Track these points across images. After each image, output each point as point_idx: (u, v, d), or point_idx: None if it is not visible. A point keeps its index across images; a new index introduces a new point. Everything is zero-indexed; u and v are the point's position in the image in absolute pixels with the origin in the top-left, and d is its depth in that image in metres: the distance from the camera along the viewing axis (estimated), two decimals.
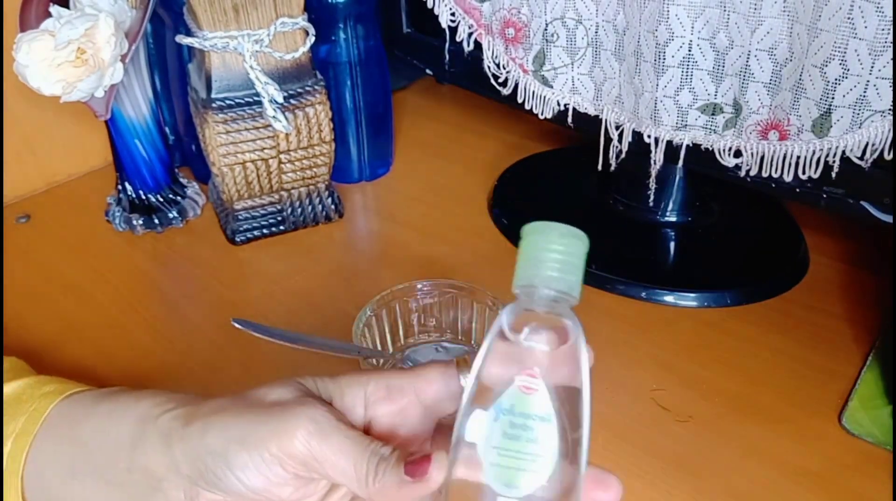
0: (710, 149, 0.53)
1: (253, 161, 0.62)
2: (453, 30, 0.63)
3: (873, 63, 0.44)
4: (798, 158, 0.50)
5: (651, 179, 0.59)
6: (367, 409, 0.33)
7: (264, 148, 0.62)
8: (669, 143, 0.55)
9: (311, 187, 0.67)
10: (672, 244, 0.65)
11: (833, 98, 0.46)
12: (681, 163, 0.55)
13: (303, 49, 0.60)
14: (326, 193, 0.68)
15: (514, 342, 0.26)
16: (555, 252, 0.26)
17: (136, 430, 0.33)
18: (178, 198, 0.69)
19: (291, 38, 0.60)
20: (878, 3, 0.42)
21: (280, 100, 0.60)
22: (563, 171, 0.75)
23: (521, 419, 0.25)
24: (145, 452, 0.32)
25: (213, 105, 0.59)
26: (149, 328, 0.57)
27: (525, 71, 0.60)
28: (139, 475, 0.33)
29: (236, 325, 0.56)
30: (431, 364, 0.34)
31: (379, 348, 0.51)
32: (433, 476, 0.28)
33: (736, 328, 0.55)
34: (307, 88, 0.62)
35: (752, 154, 0.52)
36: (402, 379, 0.34)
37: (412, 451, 0.29)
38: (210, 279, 0.62)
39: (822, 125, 0.47)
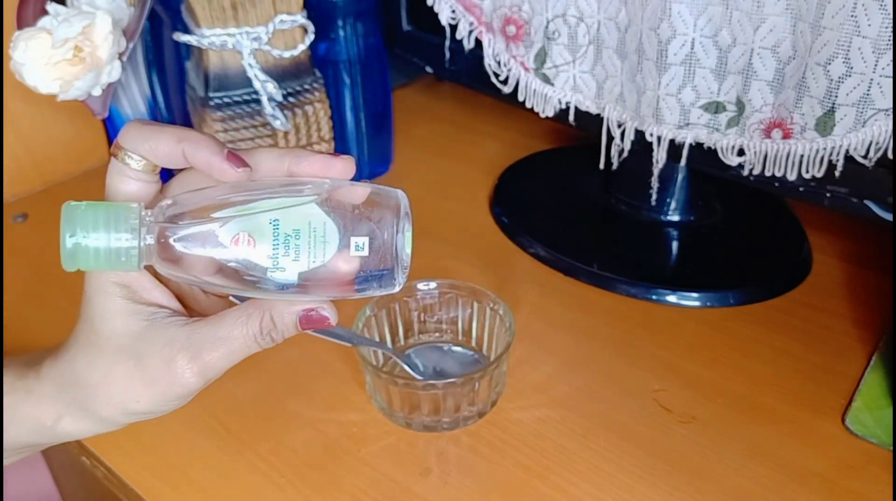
0: (713, 148, 0.53)
1: None
2: (454, 27, 0.63)
3: (877, 61, 0.43)
4: (801, 156, 0.49)
5: (653, 178, 0.59)
6: None
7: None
8: (672, 141, 0.54)
9: None
10: (674, 244, 0.64)
11: (836, 96, 0.46)
12: (683, 162, 0.55)
13: (302, 47, 0.59)
14: None
15: None
16: None
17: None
18: None
19: (290, 35, 0.59)
20: (882, 1, 0.42)
21: (279, 98, 0.59)
22: (564, 169, 0.75)
23: None
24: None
25: (211, 104, 0.58)
26: None
27: (526, 69, 0.60)
28: None
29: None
30: None
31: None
32: (332, 322, 0.31)
33: (739, 329, 0.55)
34: (306, 87, 0.61)
35: (755, 153, 0.51)
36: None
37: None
38: None
39: (825, 124, 0.47)
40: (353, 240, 0.29)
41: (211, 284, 0.30)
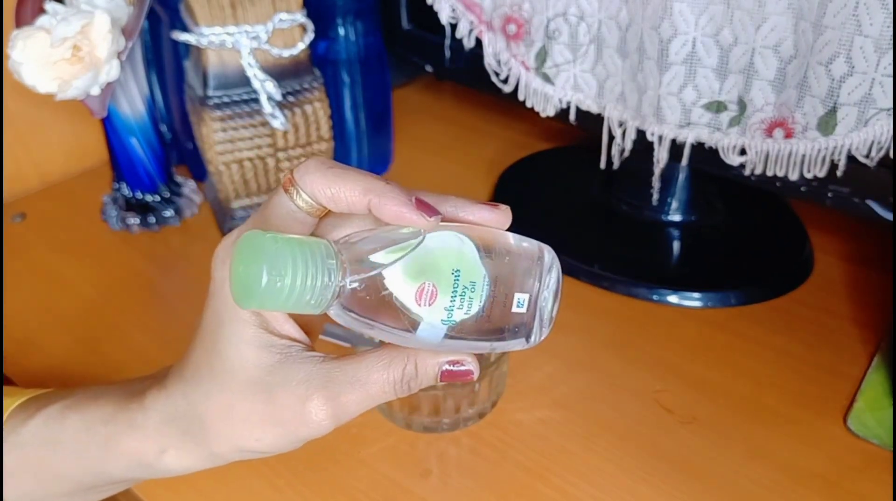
0: (715, 147, 0.53)
1: (250, 159, 0.61)
2: (454, 26, 0.63)
3: (879, 60, 0.43)
4: (803, 156, 0.49)
5: (655, 178, 0.59)
6: None
7: (262, 146, 0.61)
8: (673, 141, 0.54)
9: None
10: (676, 244, 0.64)
11: (838, 96, 0.45)
12: (685, 161, 0.55)
13: (301, 46, 0.59)
14: None
15: None
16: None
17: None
18: (175, 197, 0.68)
19: (290, 34, 0.59)
20: (884, 0, 0.42)
21: (278, 97, 0.59)
22: (565, 169, 0.75)
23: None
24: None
25: (210, 103, 0.58)
26: (144, 328, 0.56)
27: (527, 68, 0.60)
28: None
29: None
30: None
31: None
32: (474, 378, 0.29)
33: (740, 329, 0.55)
34: (305, 86, 0.61)
35: (756, 152, 0.51)
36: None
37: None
38: (207, 279, 0.61)
39: (827, 123, 0.47)
40: (517, 296, 0.27)
41: (370, 329, 0.28)
